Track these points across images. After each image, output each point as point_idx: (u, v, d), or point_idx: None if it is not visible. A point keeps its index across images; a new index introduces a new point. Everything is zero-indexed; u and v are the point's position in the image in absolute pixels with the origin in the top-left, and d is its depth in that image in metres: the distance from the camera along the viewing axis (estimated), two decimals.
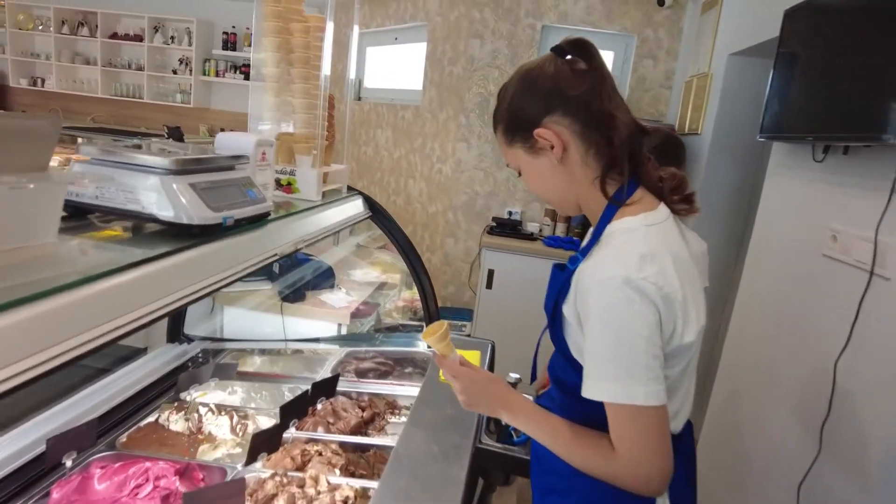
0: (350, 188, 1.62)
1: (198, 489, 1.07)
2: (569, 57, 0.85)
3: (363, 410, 1.40)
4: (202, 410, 1.35)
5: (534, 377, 1.14)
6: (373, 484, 1.11)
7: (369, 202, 1.68)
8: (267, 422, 1.35)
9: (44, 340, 0.59)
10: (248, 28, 5.63)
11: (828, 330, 1.54)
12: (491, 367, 1.63)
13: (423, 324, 1.99)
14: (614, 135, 0.84)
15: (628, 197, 0.86)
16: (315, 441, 1.27)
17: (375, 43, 4.17)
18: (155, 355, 1.62)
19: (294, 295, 2.01)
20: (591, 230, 0.96)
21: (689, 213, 0.91)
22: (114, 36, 5.93)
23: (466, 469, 1.11)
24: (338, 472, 1.16)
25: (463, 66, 3.47)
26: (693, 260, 0.86)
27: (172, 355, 1.65)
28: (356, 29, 1.59)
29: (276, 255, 1.07)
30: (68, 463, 1.07)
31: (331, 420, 1.35)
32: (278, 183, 1.35)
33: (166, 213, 0.82)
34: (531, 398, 1.06)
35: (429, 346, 1.01)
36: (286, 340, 1.90)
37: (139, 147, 0.96)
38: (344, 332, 2.01)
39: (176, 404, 1.39)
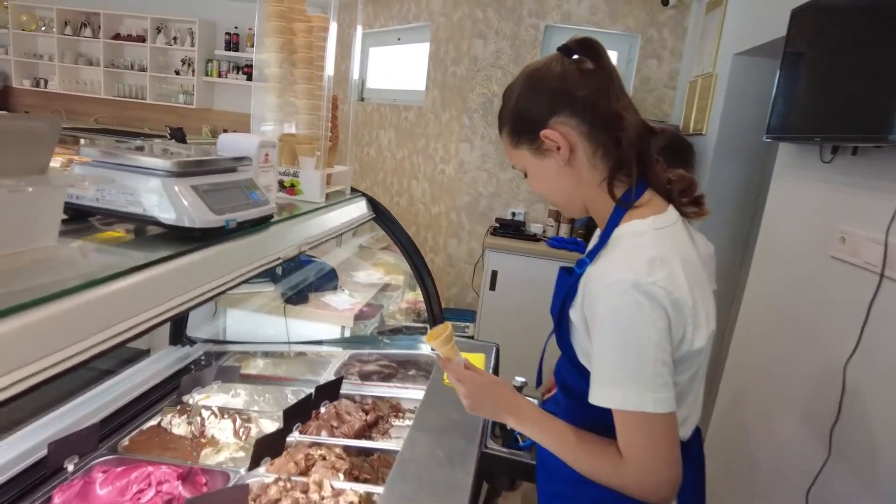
0: (353, 189, 1.61)
1: (201, 495, 1.06)
2: (576, 56, 0.84)
3: (367, 414, 1.39)
4: (205, 413, 1.34)
5: (539, 381, 1.13)
6: (378, 489, 1.09)
7: (373, 203, 1.67)
8: (270, 425, 1.34)
9: (44, 347, 0.58)
10: (250, 28, 5.62)
11: (836, 332, 1.53)
12: (496, 371, 1.61)
13: (427, 325, 1.98)
14: (622, 136, 0.82)
15: (637, 199, 0.84)
16: (319, 445, 1.26)
17: (378, 43, 4.16)
18: (157, 358, 1.62)
19: (297, 297, 2.00)
20: (597, 232, 0.94)
21: (698, 216, 0.90)
22: (116, 37, 5.94)
23: (472, 474, 1.09)
24: (342, 476, 1.15)
25: (466, 66, 3.46)
26: (701, 263, 0.85)
27: (175, 358, 1.64)
28: (359, 29, 1.57)
29: (279, 258, 1.06)
30: (70, 467, 1.06)
31: (334, 423, 1.34)
32: (281, 185, 1.34)
33: (168, 215, 0.81)
34: (536, 402, 1.05)
35: (433, 349, 0.99)
36: (289, 343, 1.89)
37: (141, 148, 0.95)
38: (347, 334, 2.00)
39: (178, 407, 1.38)
